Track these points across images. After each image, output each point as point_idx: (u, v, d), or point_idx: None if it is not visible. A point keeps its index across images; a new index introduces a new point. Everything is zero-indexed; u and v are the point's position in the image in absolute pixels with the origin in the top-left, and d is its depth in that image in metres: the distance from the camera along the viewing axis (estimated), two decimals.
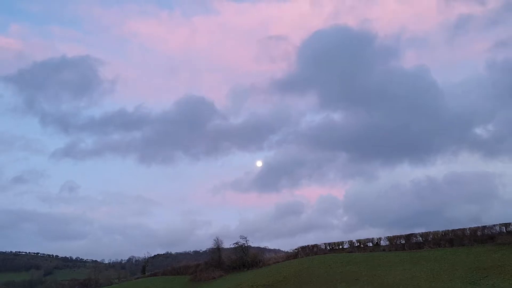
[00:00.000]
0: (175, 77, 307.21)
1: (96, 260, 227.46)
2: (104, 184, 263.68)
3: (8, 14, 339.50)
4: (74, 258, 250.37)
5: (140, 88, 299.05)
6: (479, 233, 59.53)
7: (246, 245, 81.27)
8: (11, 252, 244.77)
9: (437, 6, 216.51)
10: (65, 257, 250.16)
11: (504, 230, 58.48)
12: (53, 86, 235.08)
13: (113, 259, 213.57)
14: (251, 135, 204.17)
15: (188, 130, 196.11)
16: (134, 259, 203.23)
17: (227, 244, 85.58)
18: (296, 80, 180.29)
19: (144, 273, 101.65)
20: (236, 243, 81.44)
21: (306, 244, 76.69)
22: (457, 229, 61.87)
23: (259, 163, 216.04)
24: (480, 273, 47.91)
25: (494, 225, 59.43)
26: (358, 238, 71.55)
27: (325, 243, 74.58)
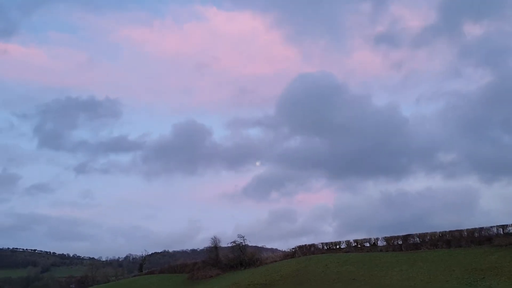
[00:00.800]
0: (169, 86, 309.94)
1: (93, 258, 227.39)
2: (114, 193, 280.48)
3: None
4: (71, 256, 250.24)
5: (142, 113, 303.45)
6: (476, 234, 59.61)
7: (243, 244, 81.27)
8: (8, 248, 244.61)
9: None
10: (63, 254, 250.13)
11: (501, 232, 58.56)
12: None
13: (110, 256, 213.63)
14: (242, 157, 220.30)
15: (186, 153, 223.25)
16: (131, 257, 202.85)
17: (225, 243, 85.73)
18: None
19: (142, 271, 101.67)
20: (234, 242, 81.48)
21: (304, 244, 76.86)
22: (454, 230, 61.95)
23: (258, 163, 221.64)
24: (477, 274, 48.00)
25: (491, 227, 59.52)
26: (355, 238, 71.68)
27: (322, 243, 74.66)
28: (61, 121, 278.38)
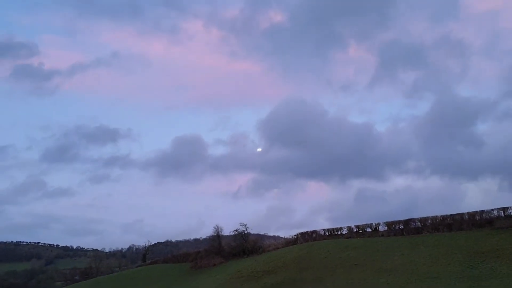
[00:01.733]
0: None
1: (96, 249, 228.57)
2: (126, 197, 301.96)
3: None
4: (74, 248, 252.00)
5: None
6: (477, 217, 59.77)
7: (246, 232, 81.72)
8: (12, 242, 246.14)
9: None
10: (66, 246, 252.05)
11: (502, 214, 58.73)
12: None
13: (114, 248, 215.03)
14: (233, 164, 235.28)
15: (187, 162, 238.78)
16: (134, 248, 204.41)
17: (227, 231, 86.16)
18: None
19: (145, 261, 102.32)
20: (236, 230, 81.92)
21: (306, 230, 77.22)
22: (455, 214, 62.09)
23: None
24: (478, 257, 48.26)
25: (492, 210, 59.60)
26: (356, 224, 71.96)
27: (324, 229, 74.93)
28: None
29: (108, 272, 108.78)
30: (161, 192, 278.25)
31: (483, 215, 59.56)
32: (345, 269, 53.23)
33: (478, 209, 60.69)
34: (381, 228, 68.58)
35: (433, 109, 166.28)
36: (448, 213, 62.97)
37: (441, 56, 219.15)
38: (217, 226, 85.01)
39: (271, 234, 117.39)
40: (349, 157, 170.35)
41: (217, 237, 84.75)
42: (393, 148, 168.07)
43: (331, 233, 73.37)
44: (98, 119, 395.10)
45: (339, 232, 72.66)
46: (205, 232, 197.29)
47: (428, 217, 64.10)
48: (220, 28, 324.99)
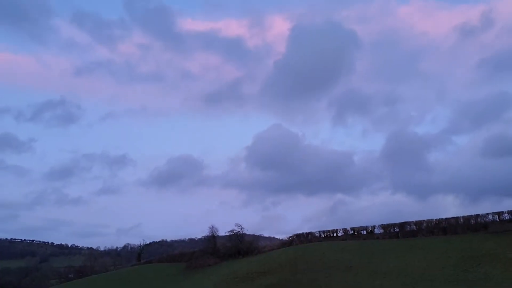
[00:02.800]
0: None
1: (91, 248, 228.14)
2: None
3: None
4: (69, 246, 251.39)
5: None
6: (472, 221, 60.08)
7: (241, 232, 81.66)
8: (6, 239, 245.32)
9: None
10: (61, 244, 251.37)
11: (497, 219, 59.05)
12: None
13: (109, 246, 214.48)
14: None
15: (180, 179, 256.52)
16: (129, 247, 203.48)
17: (222, 232, 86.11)
18: None
19: (140, 261, 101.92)
20: (231, 230, 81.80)
21: (301, 232, 77.37)
22: (450, 218, 62.50)
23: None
24: (472, 261, 48.44)
25: (487, 214, 59.98)
26: (352, 226, 72.15)
27: (319, 231, 75.17)
28: None
29: (102, 271, 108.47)
30: (159, 198, 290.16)
31: (478, 219, 59.91)
32: (340, 272, 53.28)
33: (473, 213, 61.15)
34: (376, 231, 68.87)
35: (394, 143, 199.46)
36: (443, 217, 63.42)
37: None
38: (212, 227, 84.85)
39: (267, 235, 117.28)
40: (327, 177, 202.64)
41: (212, 238, 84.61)
42: (363, 171, 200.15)
43: (326, 235, 73.55)
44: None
45: (335, 234, 72.88)
46: (200, 232, 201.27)
47: (423, 220, 64.46)
48: None
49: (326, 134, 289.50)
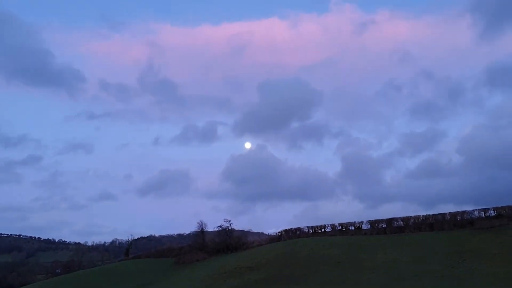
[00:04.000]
0: None
1: (79, 243, 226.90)
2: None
3: None
4: (56, 241, 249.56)
5: None
6: (458, 217, 60.76)
7: (230, 228, 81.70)
8: None
9: None
10: (48, 239, 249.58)
11: (483, 215, 59.83)
12: None
13: (96, 241, 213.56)
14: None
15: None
16: (117, 242, 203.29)
17: (211, 227, 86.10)
18: None
19: (128, 256, 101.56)
20: (220, 226, 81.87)
21: (290, 227, 77.56)
22: (437, 214, 63.09)
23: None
24: (458, 256, 49.02)
25: (473, 210, 60.77)
26: (340, 222, 72.52)
27: (308, 227, 75.48)
28: None
29: (90, 266, 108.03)
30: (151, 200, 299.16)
31: (464, 215, 60.60)
32: (328, 267, 53.60)
33: (459, 210, 61.83)
34: (364, 227, 69.26)
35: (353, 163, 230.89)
36: (430, 213, 64.02)
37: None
38: (201, 222, 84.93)
39: (255, 231, 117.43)
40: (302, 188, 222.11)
41: (201, 233, 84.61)
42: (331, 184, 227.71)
43: (315, 231, 73.87)
44: None
45: (323, 230, 73.21)
46: (189, 227, 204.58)
47: (410, 216, 65.01)
48: None
49: (304, 155, 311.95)
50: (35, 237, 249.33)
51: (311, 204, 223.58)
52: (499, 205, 60.07)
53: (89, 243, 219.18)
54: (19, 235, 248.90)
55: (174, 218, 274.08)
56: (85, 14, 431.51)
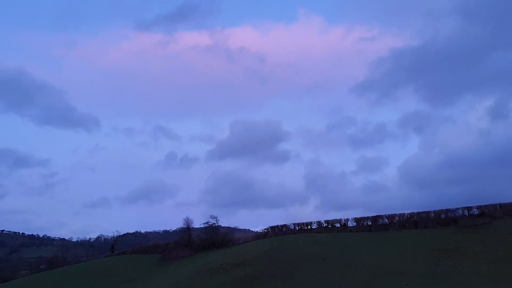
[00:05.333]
0: None
1: (63, 238, 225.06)
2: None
3: None
4: (41, 236, 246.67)
5: None
6: (442, 216, 61.55)
7: (216, 224, 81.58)
8: None
9: None
10: (32, 234, 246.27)
11: (467, 213, 60.70)
12: None
13: (81, 237, 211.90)
14: None
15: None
16: (103, 238, 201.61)
17: (197, 223, 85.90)
18: None
19: (113, 252, 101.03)
20: (207, 222, 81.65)
21: (276, 224, 77.79)
22: (421, 212, 63.80)
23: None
24: (442, 254, 49.70)
25: (457, 209, 61.54)
26: (326, 219, 72.94)
27: (294, 223, 75.74)
28: None
29: (75, 262, 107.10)
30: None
31: (448, 213, 61.41)
32: (314, 264, 53.88)
33: (443, 208, 62.55)
34: (350, 224, 69.78)
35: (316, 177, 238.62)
36: (415, 211, 64.64)
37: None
38: (187, 218, 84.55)
39: (242, 228, 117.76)
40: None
41: (187, 229, 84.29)
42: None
43: (301, 228, 74.15)
44: None
45: (309, 227, 73.53)
46: (175, 224, 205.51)
47: (395, 214, 65.67)
48: None
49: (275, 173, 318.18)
50: (19, 233, 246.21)
51: (282, 209, 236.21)
52: (483, 204, 61.16)
53: (74, 239, 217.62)
54: (3, 230, 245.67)
55: (160, 215, 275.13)
56: None
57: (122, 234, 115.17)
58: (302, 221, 75.06)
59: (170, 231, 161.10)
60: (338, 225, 70.76)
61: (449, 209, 61.82)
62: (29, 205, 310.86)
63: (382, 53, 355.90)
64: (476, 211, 60.39)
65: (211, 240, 77.99)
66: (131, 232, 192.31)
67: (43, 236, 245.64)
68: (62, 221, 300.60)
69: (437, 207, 64.02)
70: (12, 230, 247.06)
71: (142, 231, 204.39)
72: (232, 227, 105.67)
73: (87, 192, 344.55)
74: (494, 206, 60.35)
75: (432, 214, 62.31)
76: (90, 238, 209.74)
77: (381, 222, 66.09)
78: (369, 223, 67.05)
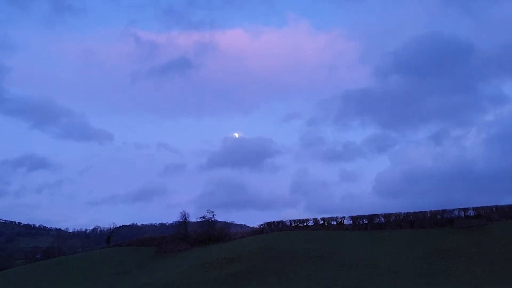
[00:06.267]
0: None
1: (60, 229, 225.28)
2: None
3: None
4: (37, 226, 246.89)
5: None
6: (439, 216, 61.65)
7: (213, 219, 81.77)
8: None
9: None
10: (28, 224, 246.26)
11: (463, 214, 60.86)
12: None
13: (78, 228, 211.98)
14: None
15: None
16: (99, 229, 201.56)
17: (194, 217, 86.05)
18: None
19: (109, 244, 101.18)
20: (203, 217, 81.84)
21: (272, 220, 77.88)
22: (418, 212, 63.89)
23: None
24: (436, 255, 49.83)
25: (453, 209, 61.67)
26: (323, 216, 73.08)
27: (290, 220, 75.80)
28: None
29: (70, 253, 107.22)
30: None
31: (445, 214, 61.52)
32: (309, 261, 54.04)
33: (440, 208, 62.68)
34: (346, 222, 69.91)
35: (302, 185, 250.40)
36: (411, 211, 64.81)
37: None
38: (184, 212, 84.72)
39: (238, 223, 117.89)
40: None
41: (183, 223, 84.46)
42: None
43: (297, 224, 74.27)
44: None
45: (305, 224, 73.66)
46: (171, 217, 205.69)
47: (391, 213, 65.72)
48: None
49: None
50: (15, 222, 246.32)
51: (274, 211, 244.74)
52: (479, 205, 61.38)
53: (70, 230, 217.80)
54: None
55: (157, 208, 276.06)
56: None
57: (118, 226, 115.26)
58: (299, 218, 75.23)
59: (167, 224, 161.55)
60: (335, 222, 70.88)
61: (446, 209, 61.97)
62: (34, 200, 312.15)
63: None
64: (472, 213, 60.59)
65: (207, 234, 78.15)
66: (127, 224, 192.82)
67: (39, 225, 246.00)
68: (62, 214, 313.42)
69: (433, 208, 64.21)
70: (9, 219, 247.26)
71: (139, 223, 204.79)
72: (228, 222, 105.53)
73: (89, 191, 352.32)
74: (490, 208, 60.53)
75: (429, 215, 62.46)
76: (86, 229, 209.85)
77: (377, 221, 66.22)
78: (365, 221, 67.18)
